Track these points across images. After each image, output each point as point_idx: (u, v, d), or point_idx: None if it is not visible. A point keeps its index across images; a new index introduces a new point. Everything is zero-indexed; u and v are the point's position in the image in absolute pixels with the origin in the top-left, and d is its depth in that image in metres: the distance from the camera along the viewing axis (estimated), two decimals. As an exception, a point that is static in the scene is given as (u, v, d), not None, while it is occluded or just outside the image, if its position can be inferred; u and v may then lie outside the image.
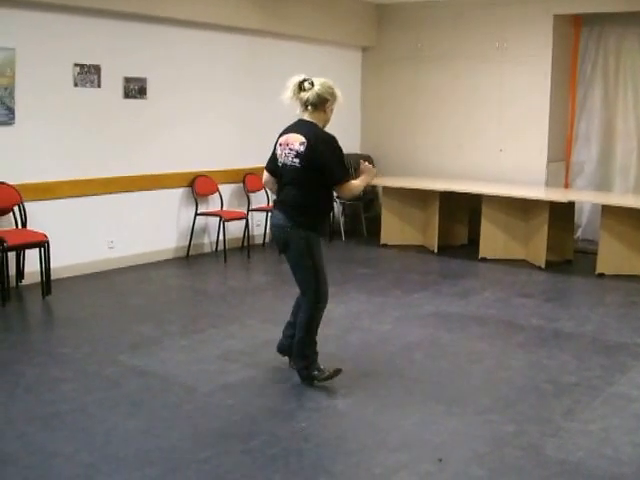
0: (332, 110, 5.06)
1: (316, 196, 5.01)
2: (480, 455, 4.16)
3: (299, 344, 5.19)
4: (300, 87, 4.96)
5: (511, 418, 4.65)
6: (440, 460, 4.07)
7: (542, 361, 5.73)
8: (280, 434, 4.36)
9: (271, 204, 5.51)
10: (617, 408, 4.87)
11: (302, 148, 4.88)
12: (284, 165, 4.99)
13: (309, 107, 4.96)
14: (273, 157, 5.17)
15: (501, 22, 10.22)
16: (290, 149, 4.94)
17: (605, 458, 4.15)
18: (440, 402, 4.90)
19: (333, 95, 5.01)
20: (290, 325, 5.43)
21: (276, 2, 9.57)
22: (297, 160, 4.90)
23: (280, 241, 5.10)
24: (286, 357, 5.46)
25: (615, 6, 9.39)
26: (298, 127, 5.00)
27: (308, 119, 5.00)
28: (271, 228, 5.26)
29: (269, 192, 5.57)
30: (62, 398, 4.79)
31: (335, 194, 5.49)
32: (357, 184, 5.06)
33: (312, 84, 4.95)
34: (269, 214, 5.25)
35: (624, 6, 9.30)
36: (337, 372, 5.16)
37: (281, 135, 5.11)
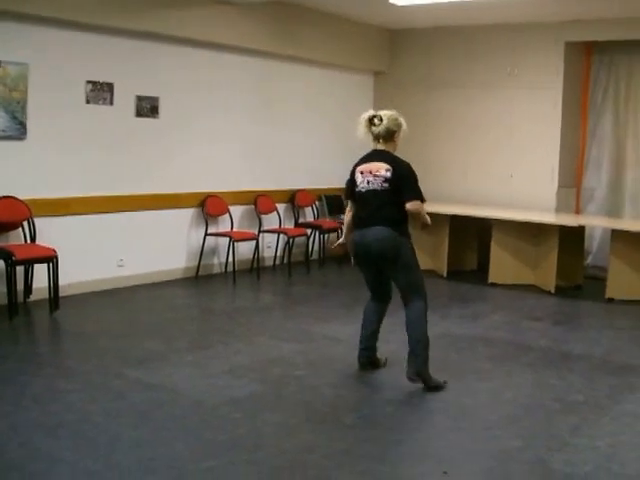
0: (399, 138, 5.68)
1: (405, 212, 5.46)
2: (486, 469, 4.14)
3: (423, 348, 5.54)
4: (370, 122, 5.53)
5: (518, 434, 4.62)
6: (445, 473, 4.03)
7: (550, 381, 5.71)
8: (286, 447, 4.35)
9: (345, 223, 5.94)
10: (625, 425, 4.85)
11: (389, 174, 5.44)
12: (370, 190, 5.49)
13: (381, 140, 5.56)
14: (352, 185, 5.64)
15: (512, 49, 10.30)
16: (376, 176, 5.48)
17: (612, 473, 4.11)
18: (447, 417, 4.89)
19: (399, 126, 5.64)
20: (370, 336, 5.81)
21: (289, 25, 9.68)
22: (387, 185, 5.44)
23: (389, 251, 5.44)
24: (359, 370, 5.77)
25: (626, 34, 9.47)
26: (378, 157, 5.56)
27: (382, 148, 5.58)
28: (371, 242, 5.47)
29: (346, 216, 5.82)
30: (67, 408, 4.78)
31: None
32: (424, 208, 5.56)
33: (381, 119, 5.53)
34: (358, 233, 5.60)
35: (635, 34, 9.37)
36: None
37: (358, 164, 5.64)
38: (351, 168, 5.70)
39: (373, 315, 5.81)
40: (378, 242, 5.44)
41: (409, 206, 5.43)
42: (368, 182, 5.50)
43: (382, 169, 5.47)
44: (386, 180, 5.45)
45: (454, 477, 4.01)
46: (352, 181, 5.64)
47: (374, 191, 5.48)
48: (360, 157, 5.67)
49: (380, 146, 5.59)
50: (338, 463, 4.16)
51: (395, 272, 5.55)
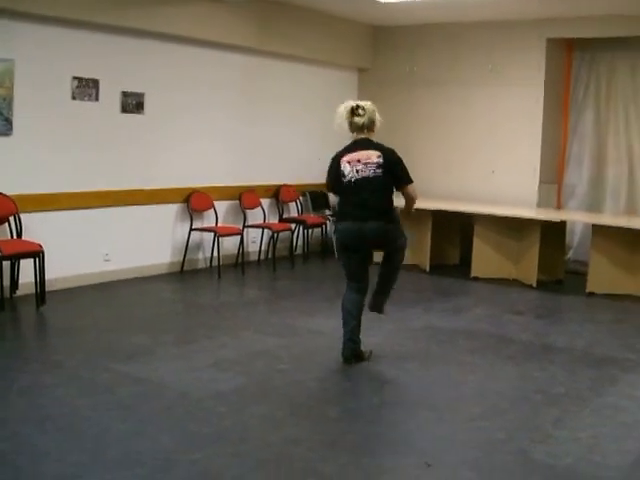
0: (377, 127, 5.84)
1: (392, 197, 5.75)
2: (470, 460, 4.19)
3: (392, 282, 6.00)
4: (353, 113, 5.67)
5: (501, 425, 4.68)
6: (428, 465, 4.09)
7: (532, 373, 5.78)
8: (271, 440, 4.39)
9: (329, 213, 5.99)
10: (606, 417, 4.92)
11: (381, 160, 5.62)
12: (362, 179, 5.61)
13: (365, 129, 5.71)
14: (338, 176, 5.71)
15: (495, 46, 10.37)
16: (367, 164, 5.62)
17: (593, 464, 4.18)
18: (430, 410, 4.94)
19: (377, 116, 5.80)
20: (354, 330, 5.82)
21: (274, 22, 9.71)
22: (380, 171, 5.62)
23: (387, 241, 5.78)
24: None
25: (607, 31, 9.56)
26: (364, 145, 5.71)
27: (366, 137, 5.73)
28: (367, 233, 5.65)
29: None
30: (55, 402, 4.81)
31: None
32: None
33: (364, 109, 5.70)
34: (356, 224, 5.71)
35: (616, 31, 9.48)
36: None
37: (342, 155, 5.72)
38: (336, 154, 5.77)
39: (353, 309, 5.81)
40: (374, 232, 5.65)
41: (409, 190, 5.81)
42: (357, 171, 5.60)
43: (373, 156, 5.63)
44: (379, 166, 5.61)
45: (438, 469, 4.07)
46: (337, 172, 5.70)
47: (366, 179, 5.60)
48: (349, 145, 5.76)
49: (363, 135, 5.72)
50: (323, 455, 4.20)
51: (390, 249, 5.88)
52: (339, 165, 5.68)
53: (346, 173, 5.63)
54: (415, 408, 5.00)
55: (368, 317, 5.97)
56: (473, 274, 9.40)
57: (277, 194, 10.30)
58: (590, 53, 10.36)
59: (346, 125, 5.73)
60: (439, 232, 9.80)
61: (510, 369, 5.90)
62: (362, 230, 5.63)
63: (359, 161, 5.61)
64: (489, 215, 9.25)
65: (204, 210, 9.30)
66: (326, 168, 5.86)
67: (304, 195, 10.69)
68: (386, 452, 4.31)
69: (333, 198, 5.84)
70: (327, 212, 10.80)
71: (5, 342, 6.26)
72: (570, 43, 10.42)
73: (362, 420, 4.75)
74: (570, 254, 10.42)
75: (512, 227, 9.24)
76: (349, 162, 5.63)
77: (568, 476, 4.03)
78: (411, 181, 5.79)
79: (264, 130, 10.09)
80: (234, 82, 9.69)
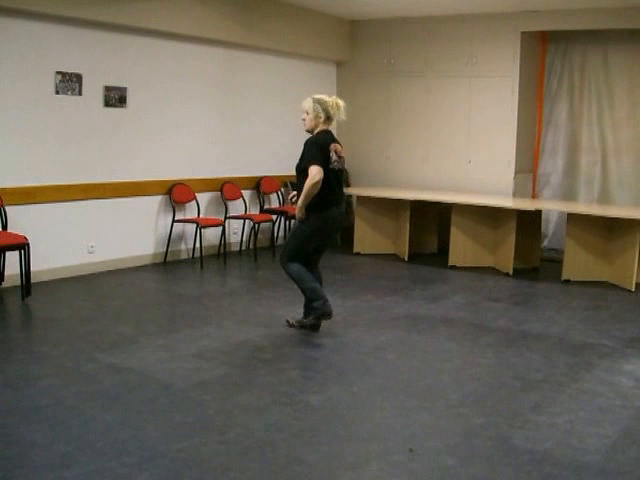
0: None
1: None
2: (450, 446, 4.25)
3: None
4: (338, 108, 6.04)
5: (480, 412, 4.76)
6: (411, 450, 4.16)
7: (510, 359, 5.87)
8: (255, 427, 4.44)
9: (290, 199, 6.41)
10: (583, 402, 5.00)
11: (344, 154, 6.10)
12: (340, 170, 6.08)
13: (330, 123, 6.06)
14: (325, 162, 5.94)
15: (471, 38, 10.47)
16: (340, 157, 6.02)
17: (571, 448, 4.26)
18: (411, 397, 5.02)
19: None
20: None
21: (253, 16, 9.75)
22: (344, 164, 6.13)
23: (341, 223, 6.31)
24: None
25: (580, 24, 9.69)
26: (334, 138, 6.09)
27: (329, 130, 6.08)
28: (339, 216, 6.21)
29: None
30: (41, 393, 4.85)
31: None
32: None
33: None
34: (337, 210, 6.22)
35: (588, 24, 9.60)
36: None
37: (330, 142, 6.02)
38: (318, 141, 5.97)
39: (309, 273, 6.28)
40: (340, 217, 6.24)
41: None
42: (337, 162, 5.99)
43: (342, 151, 6.09)
44: (344, 160, 6.11)
45: (419, 454, 4.13)
46: (327, 158, 5.93)
47: (341, 170, 6.10)
48: (325, 135, 6.04)
49: (328, 128, 6.09)
50: (306, 442, 4.27)
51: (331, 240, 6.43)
52: (329, 151, 5.91)
53: (332, 160, 5.93)
54: (396, 395, 5.06)
55: (348, 306, 6.03)
56: (451, 262, 9.51)
57: (258, 185, 10.36)
58: (564, 45, 10.49)
59: (325, 115, 5.98)
60: (417, 221, 9.91)
61: (489, 356, 5.98)
62: (342, 215, 6.14)
63: (336, 152, 5.95)
64: (466, 205, 9.36)
65: (186, 202, 9.36)
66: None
67: (285, 186, 10.75)
68: (368, 439, 4.36)
69: (320, 176, 5.90)
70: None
71: (-10, 334, 6.28)
72: (544, 36, 10.54)
73: (344, 408, 4.82)
74: (545, 242, 10.56)
75: (489, 216, 9.37)
76: (335, 151, 5.95)
77: (547, 460, 4.10)
78: None
79: (245, 122, 10.16)
80: (215, 76, 9.74)
